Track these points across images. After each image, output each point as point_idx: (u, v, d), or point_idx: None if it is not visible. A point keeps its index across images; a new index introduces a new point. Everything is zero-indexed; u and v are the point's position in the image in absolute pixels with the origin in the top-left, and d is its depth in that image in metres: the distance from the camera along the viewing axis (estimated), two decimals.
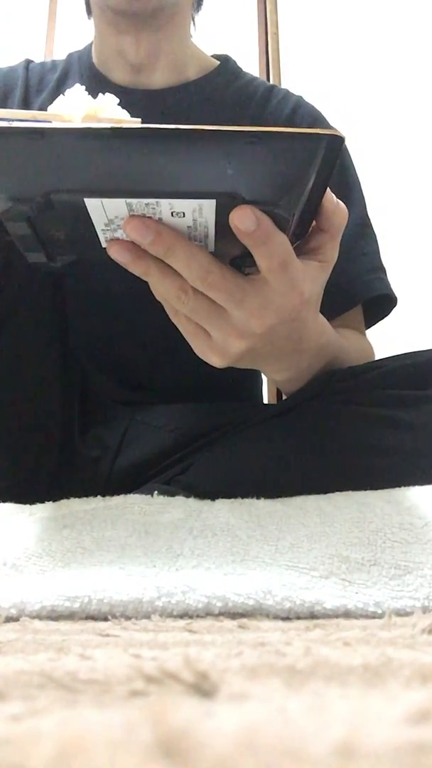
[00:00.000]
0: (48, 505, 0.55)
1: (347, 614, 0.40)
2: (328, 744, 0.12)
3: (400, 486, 0.54)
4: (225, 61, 0.86)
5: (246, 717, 0.14)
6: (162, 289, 0.44)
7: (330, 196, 0.44)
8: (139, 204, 0.40)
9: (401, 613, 0.40)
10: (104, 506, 0.53)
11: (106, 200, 0.39)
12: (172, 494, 0.56)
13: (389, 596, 0.41)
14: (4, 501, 0.58)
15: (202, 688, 0.18)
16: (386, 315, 0.81)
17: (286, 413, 0.62)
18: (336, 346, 0.60)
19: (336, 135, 0.36)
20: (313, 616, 0.40)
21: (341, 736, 0.12)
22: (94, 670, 0.21)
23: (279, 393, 1.56)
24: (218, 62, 0.85)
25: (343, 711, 0.15)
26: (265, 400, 1.18)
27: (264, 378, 0.96)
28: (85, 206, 0.40)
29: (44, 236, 0.44)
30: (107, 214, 0.41)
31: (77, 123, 0.43)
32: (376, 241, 0.80)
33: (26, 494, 0.60)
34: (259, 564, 0.44)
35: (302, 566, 0.43)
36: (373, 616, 0.40)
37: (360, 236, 0.78)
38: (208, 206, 0.40)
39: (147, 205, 0.40)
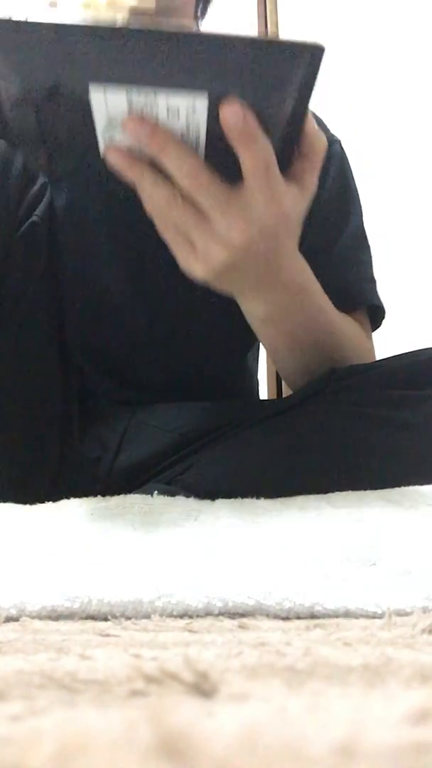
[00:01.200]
0: (48, 505, 0.55)
1: (347, 614, 0.40)
2: (328, 744, 0.12)
3: (400, 486, 0.54)
4: None
5: (246, 717, 0.14)
6: (154, 196, 0.47)
7: (311, 120, 0.47)
8: (137, 100, 0.43)
9: (401, 613, 0.40)
10: (104, 506, 0.53)
11: (109, 93, 0.42)
12: (173, 494, 0.56)
13: (389, 596, 0.41)
14: (4, 501, 0.58)
15: (202, 688, 0.18)
16: (376, 328, 0.81)
17: (285, 412, 0.62)
18: (319, 305, 0.61)
19: (318, 45, 0.40)
20: (313, 615, 0.40)
21: (341, 736, 0.12)
22: (94, 670, 0.21)
23: (279, 389, 1.56)
24: None
25: (343, 711, 0.15)
26: (264, 398, 1.17)
27: (263, 377, 0.96)
28: (89, 101, 0.43)
29: (48, 133, 0.47)
30: (109, 110, 0.44)
31: (88, 19, 0.46)
32: (370, 252, 0.81)
33: (26, 494, 0.60)
34: (259, 564, 0.44)
35: (302, 566, 0.43)
36: (373, 616, 0.40)
37: (357, 246, 0.79)
38: (201, 106, 0.43)
39: (146, 98, 0.43)
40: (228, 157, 0.45)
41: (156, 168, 0.46)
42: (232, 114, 0.43)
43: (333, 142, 0.82)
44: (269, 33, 1.80)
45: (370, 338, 0.77)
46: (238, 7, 1.79)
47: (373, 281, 0.79)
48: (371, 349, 0.76)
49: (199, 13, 0.84)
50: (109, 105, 0.44)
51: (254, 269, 0.51)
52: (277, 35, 1.79)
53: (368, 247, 0.81)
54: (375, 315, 0.79)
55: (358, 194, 0.82)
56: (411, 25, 1.79)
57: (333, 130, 0.84)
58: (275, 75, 0.42)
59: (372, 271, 0.80)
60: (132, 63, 0.42)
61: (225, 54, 0.41)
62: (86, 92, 0.43)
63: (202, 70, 0.42)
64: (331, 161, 0.80)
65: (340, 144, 0.83)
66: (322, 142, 0.49)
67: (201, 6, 0.84)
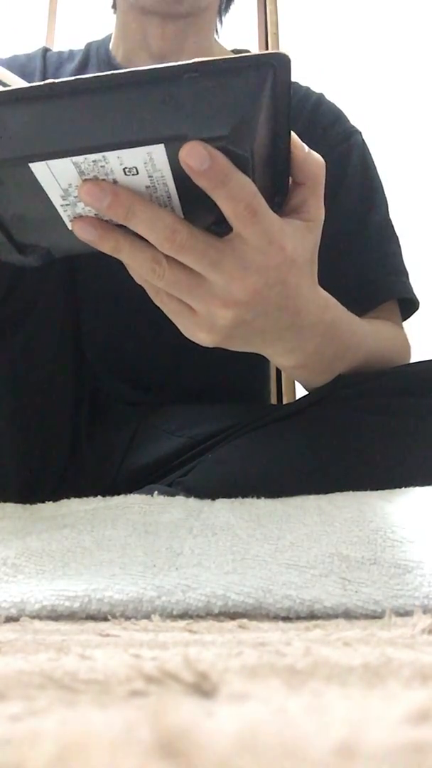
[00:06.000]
0: (48, 505, 0.55)
1: (347, 613, 0.40)
2: (328, 744, 0.12)
3: (400, 488, 0.54)
4: None
5: (246, 717, 0.14)
6: (135, 265, 0.42)
7: (299, 144, 0.42)
8: (86, 164, 0.37)
9: (401, 612, 0.40)
10: (104, 506, 0.53)
11: (52, 164, 0.37)
12: (173, 495, 0.56)
13: (389, 595, 0.41)
14: (9, 500, 0.58)
15: (202, 688, 0.18)
16: (406, 318, 0.79)
17: (289, 417, 0.62)
18: (350, 329, 0.57)
19: (281, 54, 0.35)
20: (312, 614, 0.40)
21: (341, 736, 0.12)
22: (94, 670, 0.21)
23: (279, 392, 1.56)
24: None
25: (343, 711, 0.15)
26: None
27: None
28: (35, 176, 0.38)
29: (6, 222, 0.42)
30: (59, 182, 0.38)
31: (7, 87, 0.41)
32: (399, 244, 0.79)
33: (32, 495, 0.60)
34: (259, 563, 0.44)
35: (302, 565, 0.43)
36: (373, 614, 0.40)
37: (383, 238, 0.77)
38: (159, 155, 0.37)
39: (95, 162, 0.37)
40: (210, 199, 0.39)
41: (132, 231, 0.40)
42: (194, 157, 0.36)
43: (353, 133, 0.81)
44: (269, 33, 1.80)
45: (402, 333, 0.75)
46: (238, 7, 1.79)
47: (402, 273, 0.77)
48: (407, 347, 0.74)
49: (222, 8, 0.85)
50: (57, 176, 0.38)
51: (269, 321, 0.45)
52: (277, 35, 1.79)
53: (396, 238, 0.79)
54: (407, 306, 0.78)
55: (381, 186, 0.81)
56: (411, 24, 1.79)
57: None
58: (236, 100, 0.35)
59: (401, 263, 0.78)
60: (65, 130, 0.36)
61: (170, 89, 0.34)
62: (28, 170, 0.37)
63: (149, 116, 0.35)
64: (352, 152, 0.79)
65: (361, 135, 0.82)
66: (317, 163, 0.43)
67: (225, 3, 0.84)
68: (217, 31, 0.86)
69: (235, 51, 0.87)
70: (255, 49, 1.80)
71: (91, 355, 0.75)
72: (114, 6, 0.82)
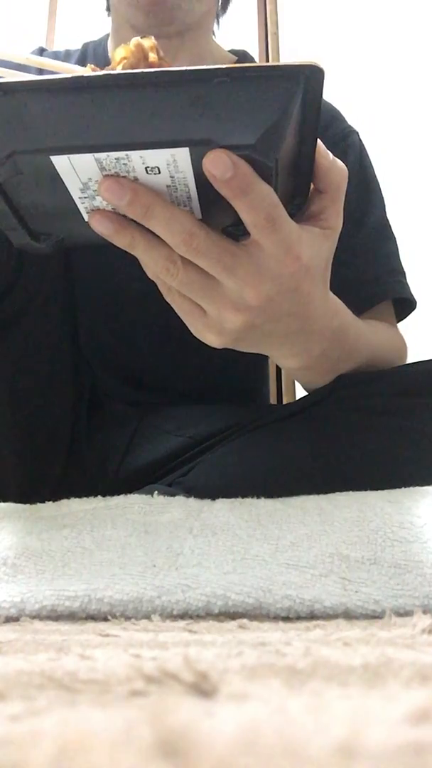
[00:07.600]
0: (48, 505, 0.55)
1: (346, 613, 0.40)
2: (328, 744, 0.12)
3: (399, 488, 0.54)
4: (243, 57, 0.86)
5: (246, 717, 0.14)
6: (150, 262, 0.41)
7: (324, 151, 0.42)
8: (108, 160, 0.37)
9: (400, 612, 0.40)
10: (104, 506, 0.53)
11: (74, 158, 0.37)
12: (173, 495, 0.56)
13: (389, 595, 0.41)
14: (8, 500, 0.58)
15: (202, 688, 0.18)
16: (403, 318, 0.79)
17: (289, 417, 0.62)
18: (355, 332, 0.57)
19: (315, 66, 0.34)
20: (312, 614, 0.40)
21: (341, 736, 0.12)
22: (94, 670, 0.21)
23: (279, 392, 1.56)
24: (236, 57, 0.85)
25: (343, 711, 0.15)
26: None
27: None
28: (55, 168, 0.38)
29: (22, 209, 0.42)
30: (79, 176, 0.38)
31: (37, 76, 0.40)
32: (396, 243, 0.79)
33: (32, 495, 0.60)
34: (259, 563, 0.44)
35: (302, 565, 0.43)
36: (373, 614, 0.40)
37: (380, 238, 0.77)
38: (183, 157, 0.37)
39: (117, 160, 0.37)
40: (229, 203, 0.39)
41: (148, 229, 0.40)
42: (217, 166, 0.36)
43: (351, 133, 0.81)
44: (269, 33, 1.80)
45: (398, 333, 0.75)
46: (238, 7, 1.79)
47: (399, 273, 0.77)
48: (404, 348, 0.74)
49: (219, 11, 0.85)
50: (77, 170, 0.38)
51: (278, 326, 0.46)
52: (277, 35, 1.78)
53: (393, 238, 0.79)
54: (403, 306, 0.78)
55: (378, 186, 0.81)
56: (411, 24, 1.79)
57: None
58: (265, 108, 0.35)
59: (399, 263, 0.78)
60: (90, 125, 0.35)
61: (200, 92, 0.34)
62: (49, 162, 0.37)
63: (176, 118, 0.35)
64: (349, 152, 0.79)
65: (358, 135, 0.82)
66: (340, 172, 0.43)
67: (221, 5, 0.84)
68: (214, 32, 0.86)
69: (233, 51, 0.87)
70: (255, 49, 1.80)
71: (90, 354, 0.75)
72: (108, 8, 0.82)
